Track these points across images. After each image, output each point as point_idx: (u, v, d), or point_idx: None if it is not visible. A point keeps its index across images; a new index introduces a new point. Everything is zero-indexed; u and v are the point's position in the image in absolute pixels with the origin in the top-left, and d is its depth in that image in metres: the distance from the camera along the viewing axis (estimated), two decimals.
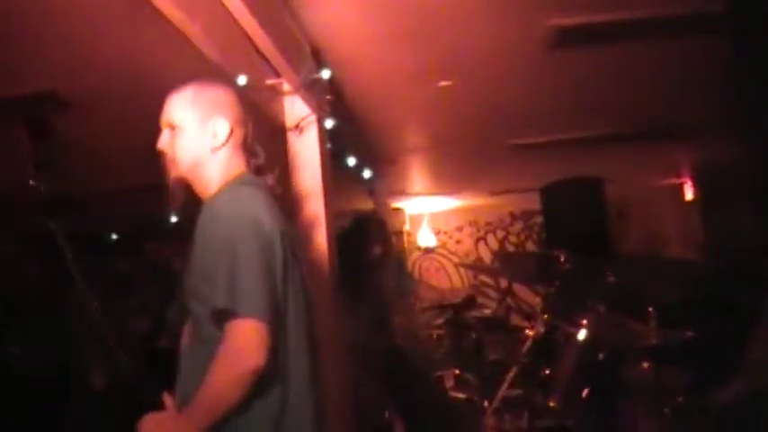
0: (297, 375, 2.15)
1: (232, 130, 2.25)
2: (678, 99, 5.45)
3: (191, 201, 2.30)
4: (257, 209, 2.12)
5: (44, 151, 3.09)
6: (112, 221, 8.04)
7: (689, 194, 9.94)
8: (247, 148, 2.33)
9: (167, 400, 2.18)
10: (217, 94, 2.28)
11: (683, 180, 9.98)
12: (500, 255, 11.25)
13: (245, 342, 1.96)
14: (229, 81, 3.13)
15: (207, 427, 1.98)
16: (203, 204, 2.22)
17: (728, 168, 7.85)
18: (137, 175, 5.09)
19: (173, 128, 2.24)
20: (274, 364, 2.02)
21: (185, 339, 2.32)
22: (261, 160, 2.36)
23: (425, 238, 11.38)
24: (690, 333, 3.64)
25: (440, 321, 9.19)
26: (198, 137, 2.23)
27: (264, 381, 2.00)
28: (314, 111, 3.65)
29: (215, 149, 2.23)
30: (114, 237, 8.06)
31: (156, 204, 2.33)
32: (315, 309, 2.34)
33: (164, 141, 2.26)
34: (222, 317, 1.99)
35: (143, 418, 2.10)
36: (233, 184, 2.22)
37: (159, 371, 2.33)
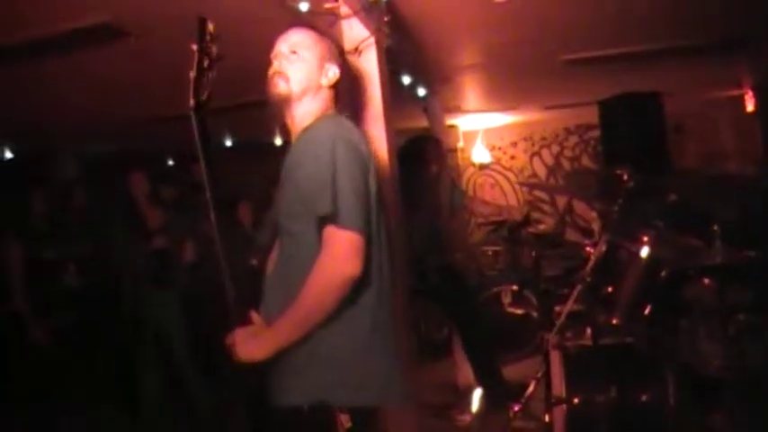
0: (386, 279, 2.39)
1: (340, 79, 2.52)
2: (736, 9, 5.29)
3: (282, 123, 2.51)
4: (352, 133, 2.39)
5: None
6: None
7: (750, 106, 9.68)
8: (340, 106, 2.56)
9: (255, 316, 2.35)
10: (337, 47, 2.60)
11: (744, 91, 9.71)
12: (562, 172, 11.18)
13: (345, 251, 2.19)
14: (289, 6, 3.15)
15: (302, 333, 2.20)
16: (297, 135, 2.44)
17: None
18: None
19: (295, 53, 2.46)
20: (369, 274, 2.27)
21: (270, 267, 2.49)
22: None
23: (480, 154, 11.36)
24: (752, 252, 3.62)
25: (496, 238, 9.27)
26: (316, 69, 2.48)
27: (362, 283, 2.25)
28: (372, 33, 3.64)
29: (322, 87, 2.49)
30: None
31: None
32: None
33: (283, 62, 2.46)
34: (324, 224, 2.20)
35: (234, 331, 2.27)
36: (325, 118, 2.46)
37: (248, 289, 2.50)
